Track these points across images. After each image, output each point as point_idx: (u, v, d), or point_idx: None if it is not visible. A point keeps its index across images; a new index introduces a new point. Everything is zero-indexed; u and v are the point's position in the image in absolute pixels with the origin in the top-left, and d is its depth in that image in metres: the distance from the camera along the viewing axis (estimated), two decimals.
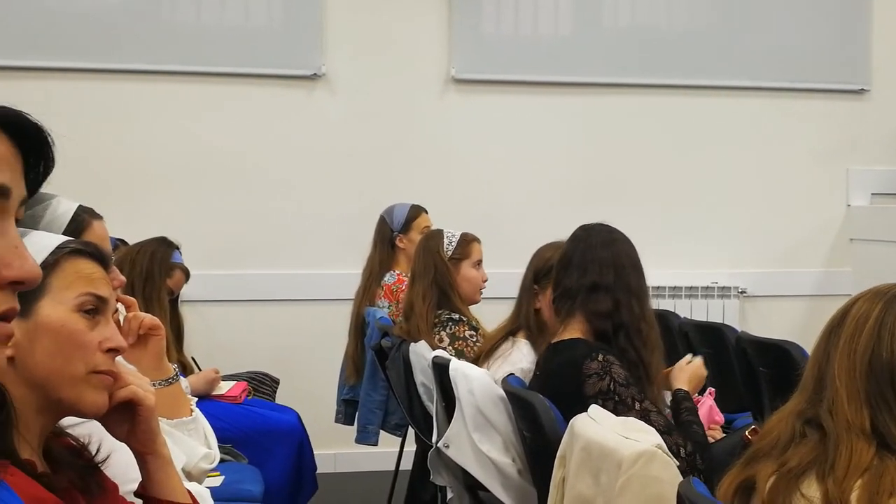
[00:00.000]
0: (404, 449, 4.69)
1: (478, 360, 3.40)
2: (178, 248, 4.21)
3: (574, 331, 2.86)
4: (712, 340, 4.13)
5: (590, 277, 2.85)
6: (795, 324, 5.83)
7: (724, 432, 3.10)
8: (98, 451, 1.52)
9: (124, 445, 1.59)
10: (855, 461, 1.72)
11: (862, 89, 6.23)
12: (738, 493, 1.82)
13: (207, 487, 2.10)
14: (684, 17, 6.08)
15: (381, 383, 4.49)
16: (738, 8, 6.11)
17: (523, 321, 3.33)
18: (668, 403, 2.90)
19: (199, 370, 4.22)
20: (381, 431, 4.62)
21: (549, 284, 3.11)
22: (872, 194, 6.27)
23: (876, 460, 1.73)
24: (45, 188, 1.03)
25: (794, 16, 6.15)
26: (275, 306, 5.69)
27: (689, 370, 2.96)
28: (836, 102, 6.24)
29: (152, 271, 4.02)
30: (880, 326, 1.82)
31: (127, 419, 1.56)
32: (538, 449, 2.71)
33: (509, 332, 3.36)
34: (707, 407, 3.13)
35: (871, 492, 1.69)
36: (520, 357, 3.23)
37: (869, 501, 1.68)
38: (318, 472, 4.27)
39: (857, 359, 1.81)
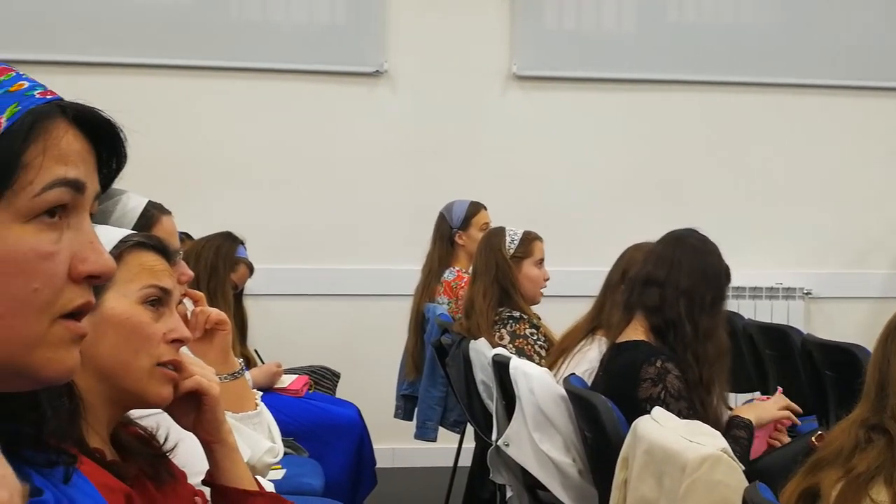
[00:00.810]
0: (463, 446, 4.69)
1: (556, 356, 3.37)
2: (242, 244, 4.24)
3: (636, 330, 2.86)
4: (777, 342, 4.08)
5: (646, 270, 2.87)
6: (862, 326, 5.72)
7: (789, 436, 3.06)
8: (166, 440, 1.55)
9: (191, 435, 1.61)
10: None
11: None
12: (800, 500, 1.79)
13: (270, 481, 2.12)
14: (751, 13, 5.99)
15: (440, 380, 4.50)
16: (811, 2, 6.00)
17: (605, 318, 3.30)
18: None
19: (262, 363, 4.25)
20: (440, 428, 4.62)
21: None
22: None
23: None
24: (116, 184, 1.05)
25: (870, 11, 6.03)
26: (336, 301, 5.72)
27: (759, 406, 2.89)
28: None
29: (217, 265, 4.05)
30: None
31: (193, 409, 1.59)
32: (599, 450, 2.70)
33: (590, 329, 3.34)
34: None
35: None
36: (596, 354, 3.21)
37: None
38: (376, 466, 4.29)
39: None
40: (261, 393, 2.40)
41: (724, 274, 2.94)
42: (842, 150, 6.07)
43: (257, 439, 2.10)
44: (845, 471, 1.76)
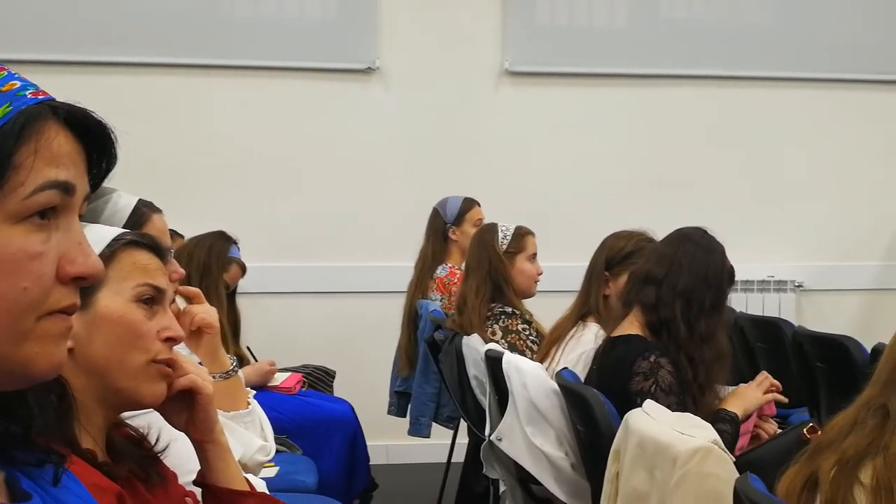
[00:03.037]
0: (456, 441, 4.70)
1: (548, 347, 3.38)
2: (235, 243, 4.25)
3: (632, 324, 2.87)
4: (769, 335, 4.09)
5: (647, 268, 2.88)
6: (854, 318, 5.75)
7: (780, 427, 3.07)
8: (157, 440, 1.55)
9: (183, 436, 1.61)
10: None
11: None
12: (804, 488, 1.80)
13: (263, 479, 2.12)
14: (741, 8, 6.00)
15: (433, 376, 4.51)
16: None
17: (593, 306, 3.32)
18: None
19: (255, 361, 4.25)
20: (434, 424, 4.63)
21: (622, 273, 3.15)
22: None
23: None
24: (107, 182, 1.05)
25: (864, 8, 6.04)
26: (329, 298, 5.73)
27: (741, 393, 2.85)
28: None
29: (210, 265, 4.06)
30: None
31: (185, 408, 1.58)
32: (592, 443, 2.71)
33: (579, 317, 3.35)
34: None
35: None
36: (591, 337, 3.22)
37: None
38: (370, 463, 4.29)
39: None
40: (253, 391, 2.40)
41: (726, 276, 2.93)
42: (834, 143, 6.08)
43: (249, 438, 2.11)
44: (839, 455, 1.77)
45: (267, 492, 1.91)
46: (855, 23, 6.05)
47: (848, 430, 1.80)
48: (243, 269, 4.30)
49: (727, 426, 2.74)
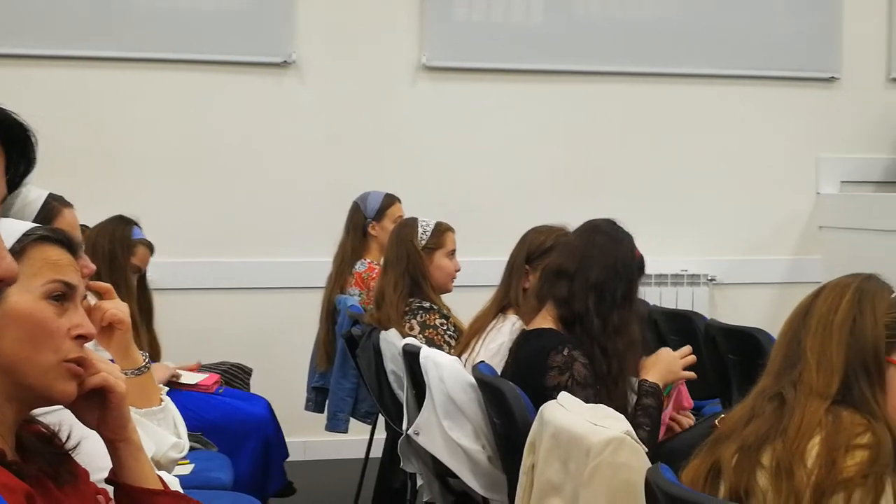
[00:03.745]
0: (374, 436, 4.70)
1: (468, 339, 3.39)
2: (136, 224, 4.15)
3: (546, 318, 2.89)
4: (681, 328, 4.15)
5: (558, 262, 2.90)
6: (764, 311, 5.87)
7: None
8: (69, 438, 1.53)
9: (95, 433, 1.59)
10: (807, 421, 1.76)
11: (832, 77, 6.27)
12: (708, 477, 1.84)
13: (177, 476, 2.10)
14: (655, 5, 6.09)
15: (351, 371, 4.50)
16: None
17: (513, 298, 3.33)
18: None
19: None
20: (352, 419, 4.63)
21: (542, 266, 3.16)
22: (842, 182, 6.32)
23: (830, 416, 1.76)
24: None
25: (765, 4, 6.17)
26: (246, 294, 5.68)
27: (663, 361, 2.89)
28: (806, 91, 6.28)
29: (115, 252, 3.96)
30: (860, 300, 1.87)
31: (97, 406, 1.56)
32: (508, 436, 2.73)
33: (499, 309, 3.37)
34: (677, 392, 3.14)
35: (829, 448, 1.72)
36: (510, 328, 3.23)
37: (827, 457, 1.71)
38: (288, 460, 4.27)
39: (833, 329, 1.85)
40: (167, 388, 2.37)
41: (636, 266, 2.95)
42: (745, 139, 6.20)
43: (162, 434, 2.09)
44: (740, 442, 1.81)
45: (181, 489, 1.89)
46: (762, 19, 6.17)
47: (747, 419, 1.85)
48: (151, 248, 4.20)
49: (651, 399, 2.77)
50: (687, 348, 2.98)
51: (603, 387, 2.77)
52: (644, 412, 2.74)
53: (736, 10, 6.14)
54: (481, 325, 3.37)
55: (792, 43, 6.21)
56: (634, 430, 2.65)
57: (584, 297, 2.83)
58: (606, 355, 2.80)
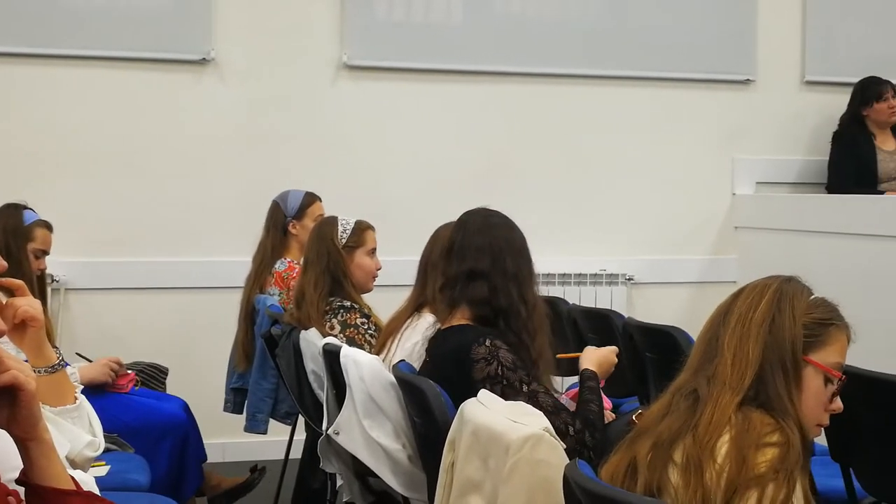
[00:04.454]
0: (294, 437, 4.67)
1: (385, 338, 3.38)
2: (26, 208, 3.97)
3: (461, 318, 2.89)
4: (600, 326, 4.19)
5: (467, 264, 2.88)
6: (681, 310, 5.96)
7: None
8: None
9: (4, 433, 1.55)
10: (717, 417, 1.79)
11: (747, 79, 6.38)
12: (627, 473, 1.86)
13: (93, 477, 2.07)
14: (574, 6, 6.15)
15: (270, 371, 4.46)
16: None
17: (429, 297, 3.32)
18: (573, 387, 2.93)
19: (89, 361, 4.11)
20: (271, 420, 4.59)
21: None
22: (757, 183, 6.44)
23: (740, 415, 1.79)
24: None
25: (681, 7, 6.26)
26: (164, 294, 5.60)
27: (600, 353, 2.95)
28: (722, 93, 6.38)
29: (8, 244, 3.79)
30: (780, 299, 1.90)
31: (7, 405, 1.53)
32: (428, 434, 2.73)
33: (414, 308, 3.36)
34: None
35: (739, 445, 1.75)
36: (426, 326, 3.22)
37: (738, 455, 1.74)
38: (207, 461, 4.22)
39: (751, 327, 1.88)
40: (81, 386, 2.33)
41: (525, 240, 2.98)
42: (663, 140, 6.28)
43: (77, 433, 2.05)
44: (655, 438, 1.84)
45: (96, 490, 1.86)
46: (678, 22, 6.25)
47: (663, 414, 1.87)
48: (49, 227, 4.02)
49: (593, 382, 2.82)
50: (615, 348, 3.03)
51: (532, 372, 2.79)
52: (590, 392, 2.79)
53: (653, 13, 6.22)
54: (397, 325, 3.36)
55: (708, 45, 6.31)
56: (585, 405, 2.70)
57: (507, 290, 2.85)
58: (532, 336, 2.83)
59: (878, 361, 2.45)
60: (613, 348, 3.02)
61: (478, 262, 2.88)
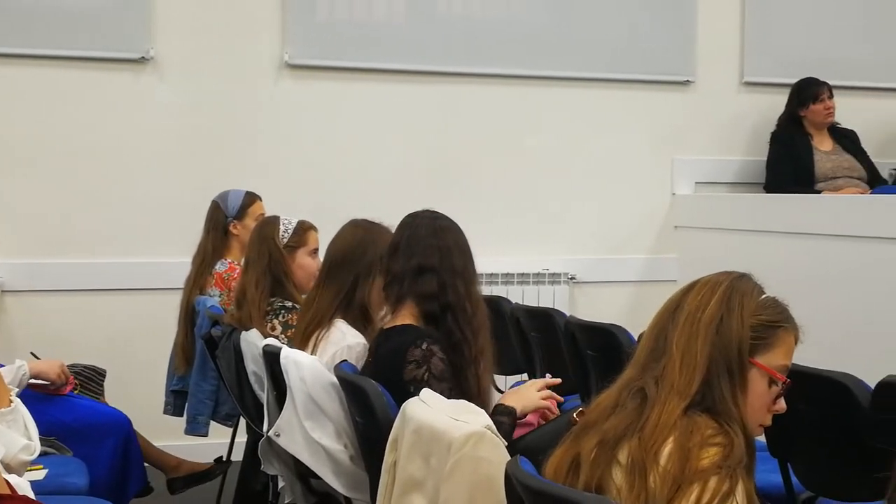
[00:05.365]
0: (235, 439, 4.64)
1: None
2: None
3: (405, 316, 2.90)
4: (542, 325, 4.21)
5: (416, 260, 2.90)
6: (622, 308, 6.01)
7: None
8: None
9: None
10: (664, 420, 1.80)
11: (687, 80, 6.44)
12: (570, 469, 1.86)
13: (29, 480, 2.04)
14: (516, 7, 6.17)
15: (210, 373, 4.43)
16: (568, 0, 6.22)
17: (348, 300, 3.30)
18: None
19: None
20: (212, 422, 4.56)
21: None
22: (696, 183, 6.50)
23: (685, 419, 1.80)
24: None
25: (621, 8, 6.31)
26: (101, 296, 5.53)
27: (522, 393, 2.90)
28: (662, 94, 6.43)
29: None
30: (729, 298, 1.91)
31: None
32: (370, 434, 2.72)
33: (332, 315, 3.32)
34: None
35: (682, 446, 1.76)
36: (339, 336, 3.20)
37: (681, 455, 1.75)
38: (148, 464, 4.17)
39: (700, 327, 1.88)
40: (17, 389, 2.30)
41: (468, 242, 3.00)
42: (604, 141, 6.32)
43: (12, 437, 2.02)
44: (600, 436, 1.84)
45: (32, 494, 1.84)
46: (619, 23, 6.30)
47: (610, 411, 1.88)
48: None
49: (505, 418, 2.80)
50: (542, 380, 3.01)
51: (470, 371, 2.81)
52: (499, 426, 2.76)
53: (595, 15, 6.25)
54: (310, 332, 3.35)
55: (648, 47, 6.36)
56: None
57: (455, 286, 2.88)
58: (475, 333, 2.85)
59: (814, 359, 2.48)
60: (538, 383, 2.96)
61: (427, 258, 2.90)
